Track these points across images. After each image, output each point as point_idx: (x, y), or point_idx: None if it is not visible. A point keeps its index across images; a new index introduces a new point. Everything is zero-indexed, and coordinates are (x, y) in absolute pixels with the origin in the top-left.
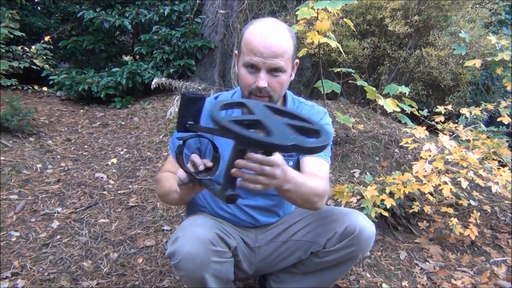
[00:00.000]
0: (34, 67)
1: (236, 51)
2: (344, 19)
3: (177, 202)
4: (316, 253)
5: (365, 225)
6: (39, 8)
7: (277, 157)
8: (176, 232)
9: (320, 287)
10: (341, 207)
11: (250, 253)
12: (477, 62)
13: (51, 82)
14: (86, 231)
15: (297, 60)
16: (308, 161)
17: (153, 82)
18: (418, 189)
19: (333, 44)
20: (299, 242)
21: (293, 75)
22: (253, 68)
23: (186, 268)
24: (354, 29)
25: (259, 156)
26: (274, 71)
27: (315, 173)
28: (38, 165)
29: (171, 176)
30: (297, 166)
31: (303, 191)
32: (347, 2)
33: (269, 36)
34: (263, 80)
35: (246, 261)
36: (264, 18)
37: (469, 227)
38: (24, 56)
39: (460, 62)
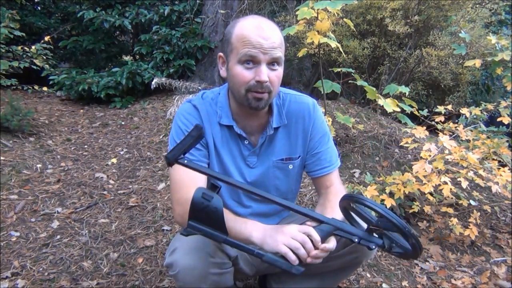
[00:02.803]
0: (34, 67)
1: (221, 54)
2: (344, 19)
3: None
4: None
5: None
6: (39, 8)
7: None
8: (174, 242)
9: None
10: None
11: (252, 256)
12: (477, 62)
13: (51, 82)
14: (86, 231)
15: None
16: (327, 177)
17: (153, 82)
18: (418, 189)
19: (333, 44)
20: None
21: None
22: (251, 62)
23: (184, 280)
24: (354, 29)
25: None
26: (272, 64)
27: (330, 184)
28: (38, 165)
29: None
30: (301, 167)
31: None
32: (347, 2)
33: (265, 27)
34: (264, 73)
35: (247, 264)
36: (248, 16)
37: (469, 227)
38: (24, 56)
39: (460, 62)
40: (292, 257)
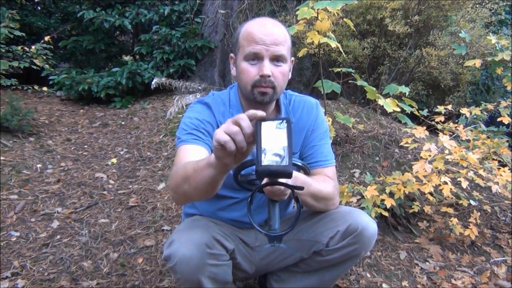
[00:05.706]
0: (34, 67)
1: (231, 54)
2: (344, 19)
3: (202, 185)
4: (319, 252)
5: (368, 223)
6: (39, 8)
7: None
8: (172, 235)
9: (321, 286)
10: (342, 205)
11: (250, 252)
12: (477, 62)
13: (51, 82)
14: (86, 231)
15: (293, 58)
16: (322, 171)
17: (153, 82)
18: (418, 189)
19: (333, 44)
20: (301, 241)
21: (290, 73)
22: (255, 59)
23: (181, 272)
24: (354, 29)
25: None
26: (276, 60)
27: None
28: (38, 165)
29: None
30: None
31: (313, 190)
32: (347, 2)
33: (269, 25)
34: (267, 68)
35: (245, 261)
36: (257, 17)
37: (469, 227)
38: (24, 56)
39: (460, 62)
40: (231, 146)
